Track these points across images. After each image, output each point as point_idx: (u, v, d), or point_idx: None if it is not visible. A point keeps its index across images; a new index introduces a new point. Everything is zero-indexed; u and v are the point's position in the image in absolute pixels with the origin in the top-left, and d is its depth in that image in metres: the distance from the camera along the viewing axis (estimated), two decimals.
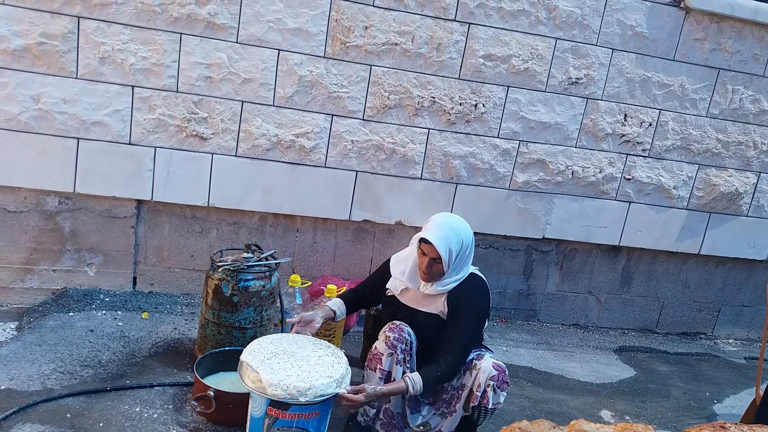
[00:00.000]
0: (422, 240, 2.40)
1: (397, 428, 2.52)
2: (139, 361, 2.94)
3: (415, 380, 2.32)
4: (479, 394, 2.34)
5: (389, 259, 2.65)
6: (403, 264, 2.54)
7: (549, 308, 4.33)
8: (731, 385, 3.87)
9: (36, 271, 3.44)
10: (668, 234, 4.28)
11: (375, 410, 2.48)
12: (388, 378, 2.41)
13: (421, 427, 2.47)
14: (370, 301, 2.76)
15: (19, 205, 3.34)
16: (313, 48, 3.45)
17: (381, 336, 2.45)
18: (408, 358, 2.45)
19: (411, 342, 2.46)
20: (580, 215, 4.09)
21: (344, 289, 3.55)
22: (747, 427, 1.76)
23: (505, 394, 2.38)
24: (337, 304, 2.66)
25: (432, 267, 2.38)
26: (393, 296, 2.58)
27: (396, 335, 2.41)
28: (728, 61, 4.01)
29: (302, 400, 2.14)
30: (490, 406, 2.34)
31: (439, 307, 2.47)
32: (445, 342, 2.42)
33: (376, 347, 2.44)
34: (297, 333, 2.48)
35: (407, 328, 2.45)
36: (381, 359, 2.40)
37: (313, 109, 3.55)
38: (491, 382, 2.33)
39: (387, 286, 2.60)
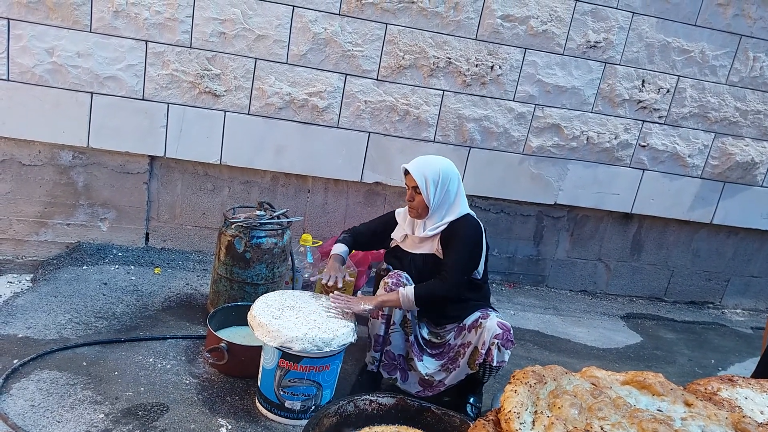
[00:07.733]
0: (405, 173, 2.52)
1: (398, 368, 2.60)
2: (152, 314, 2.99)
3: (407, 290, 2.41)
4: (484, 351, 2.39)
5: (394, 210, 2.75)
6: (403, 214, 2.68)
7: (558, 274, 4.34)
8: (737, 353, 3.89)
9: (50, 224, 3.47)
10: (681, 203, 4.25)
11: (379, 353, 2.54)
12: (388, 322, 2.51)
13: (427, 377, 2.52)
14: (371, 242, 2.84)
15: (33, 159, 3.35)
16: (328, 5, 3.40)
17: (381, 284, 2.53)
18: None
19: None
20: (594, 182, 4.07)
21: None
22: (754, 381, 1.78)
23: (510, 352, 2.42)
24: (342, 250, 2.73)
25: (414, 199, 2.49)
26: (397, 245, 2.68)
27: (394, 280, 2.49)
28: (751, 27, 3.92)
29: (327, 350, 2.21)
30: (494, 364, 2.38)
31: (434, 247, 2.55)
32: (442, 267, 2.49)
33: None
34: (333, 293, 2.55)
35: (405, 275, 2.53)
36: None
37: (327, 68, 3.52)
38: (496, 341, 2.37)
39: (391, 236, 2.71)
